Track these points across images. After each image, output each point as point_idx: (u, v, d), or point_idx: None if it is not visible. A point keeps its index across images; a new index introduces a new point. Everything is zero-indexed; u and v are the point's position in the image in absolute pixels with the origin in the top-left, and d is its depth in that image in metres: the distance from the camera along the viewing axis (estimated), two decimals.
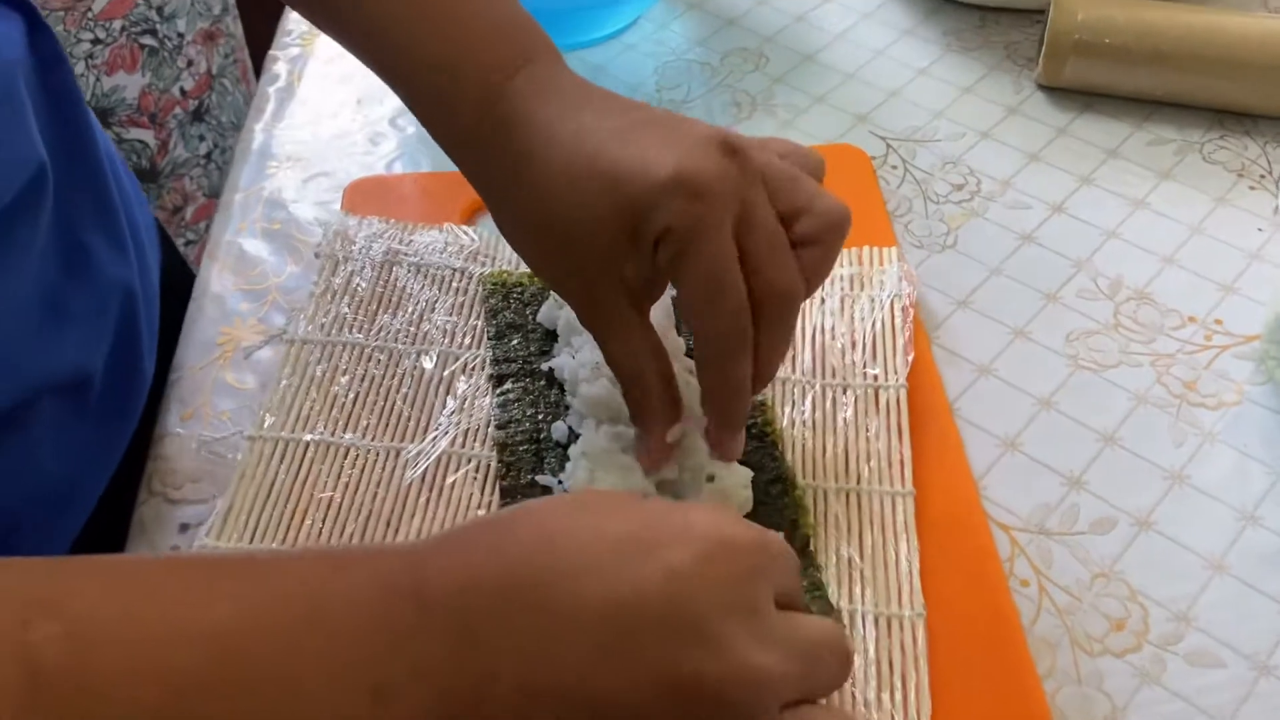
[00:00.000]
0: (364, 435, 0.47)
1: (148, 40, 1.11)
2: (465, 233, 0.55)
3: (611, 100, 0.41)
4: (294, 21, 0.73)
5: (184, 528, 0.46)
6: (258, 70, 1.29)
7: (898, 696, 0.38)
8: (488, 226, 0.57)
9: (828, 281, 0.52)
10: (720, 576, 0.29)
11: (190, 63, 1.16)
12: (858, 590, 0.41)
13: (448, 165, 0.62)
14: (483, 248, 0.55)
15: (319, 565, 0.30)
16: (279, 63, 0.69)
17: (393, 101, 0.66)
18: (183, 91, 1.16)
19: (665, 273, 0.38)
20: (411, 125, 0.64)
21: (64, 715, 0.25)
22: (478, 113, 0.41)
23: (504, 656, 0.28)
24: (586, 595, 0.28)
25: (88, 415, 0.46)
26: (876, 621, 0.40)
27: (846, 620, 0.40)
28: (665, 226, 0.36)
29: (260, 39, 1.26)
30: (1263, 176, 0.59)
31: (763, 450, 0.45)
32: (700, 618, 0.28)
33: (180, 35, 1.14)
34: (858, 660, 0.39)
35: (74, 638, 0.25)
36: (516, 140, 0.40)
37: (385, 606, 0.28)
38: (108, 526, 0.47)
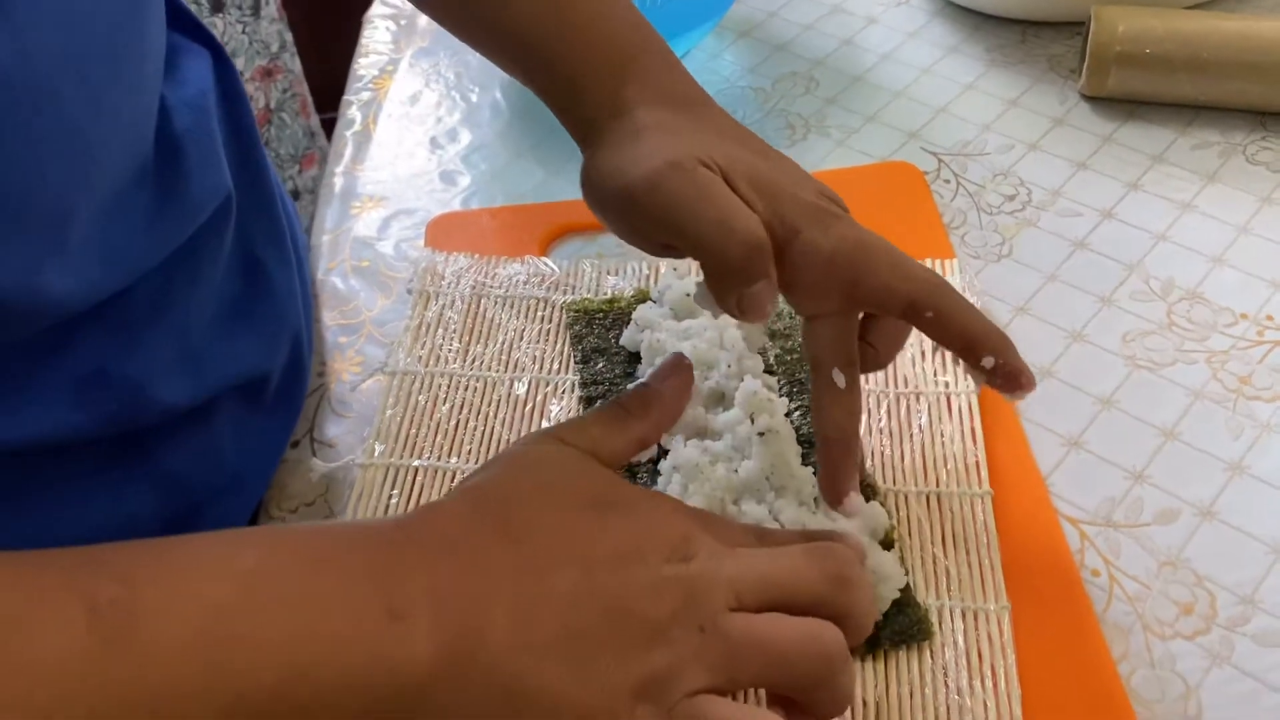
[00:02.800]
0: (467, 459, 0.51)
1: None
2: (545, 264, 0.59)
3: (715, 122, 0.44)
4: (365, 67, 0.76)
5: None
6: (317, 104, 1.34)
7: (988, 684, 0.41)
8: (565, 256, 0.61)
9: None
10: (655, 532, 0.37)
11: (249, 98, 1.21)
12: (944, 587, 0.44)
13: (521, 199, 0.66)
14: (562, 278, 0.58)
15: (329, 527, 0.36)
16: (353, 108, 0.73)
17: (464, 139, 0.70)
18: None
19: None
20: (484, 162, 0.68)
21: (122, 635, 0.29)
22: (597, 110, 0.44)
23: (488, 568, 0.34)
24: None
25: (262, 410, 0.50)
26: (964, 615, 0.43)
27: (935, 617, 0.43)
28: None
29: (316, 74, 1.31)
30: None
31: None
32: (655, 535, 0.36)
33: (240, 73, 1.19)
34: (949, 652, 0.42)
35: (126, 579, 0.30)
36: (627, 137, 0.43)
37: (385, 547, 0.34)
38: None
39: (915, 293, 0.41)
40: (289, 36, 1.25)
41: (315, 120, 1.32)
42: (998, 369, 0.41)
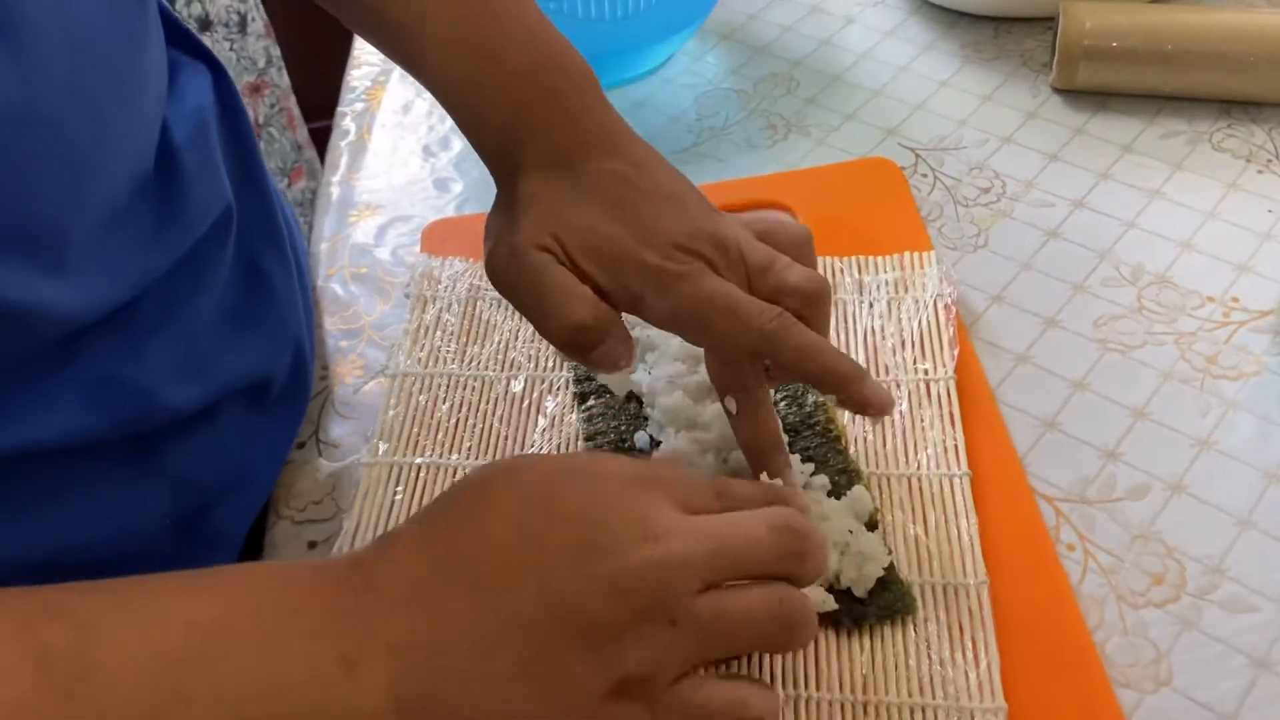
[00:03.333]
0: (467, 455, 0.53)
1: None
2: None
3: (608, 179, 0.44)
4: (357, 79, 0.78)
5: (312, 545, 0.52)
6: (310, 114, 1.36)
7: (969, 655, 0.43)
8: None
9: (875, 286, 0.57)
10: (607, 499, 0.36)
11: None
12: (925, 564, 0.46)
13: None
14: None
15: (288, 570, 0.36)
16: (347, 118, 0.75)
17: (456, 147, 0.72)
18: None
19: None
20: (476, 169, 0.70)
21: (70, 688, 0.29)
22: (494, 168, 0.47)
23: (450, 613, 0.34)
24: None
25: (266, 412, 0.52)
26: (945, 591, 0.45)
27: (918, 593, 0.45)
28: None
29: (309, 85, 1.32)
30: (1270, 161, 0.64)
31: (827, 446, 0.50)
32: (597, 543, 0.35)
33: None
34: (931, 626, 0.44)
35: (80, 627, 0.30)
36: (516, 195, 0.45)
37: (342, 592, 0.34)
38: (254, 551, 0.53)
39: (752, 344, 0.42)
40: (276, 52, 1.27)
41: (303, 133, 1.34)
42: (844, 402, 0.44)
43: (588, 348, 0.42)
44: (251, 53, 1.24)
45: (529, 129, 0.45)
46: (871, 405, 0.43)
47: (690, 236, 0.43)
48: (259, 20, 1.24)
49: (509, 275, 0.43)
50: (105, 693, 0.29)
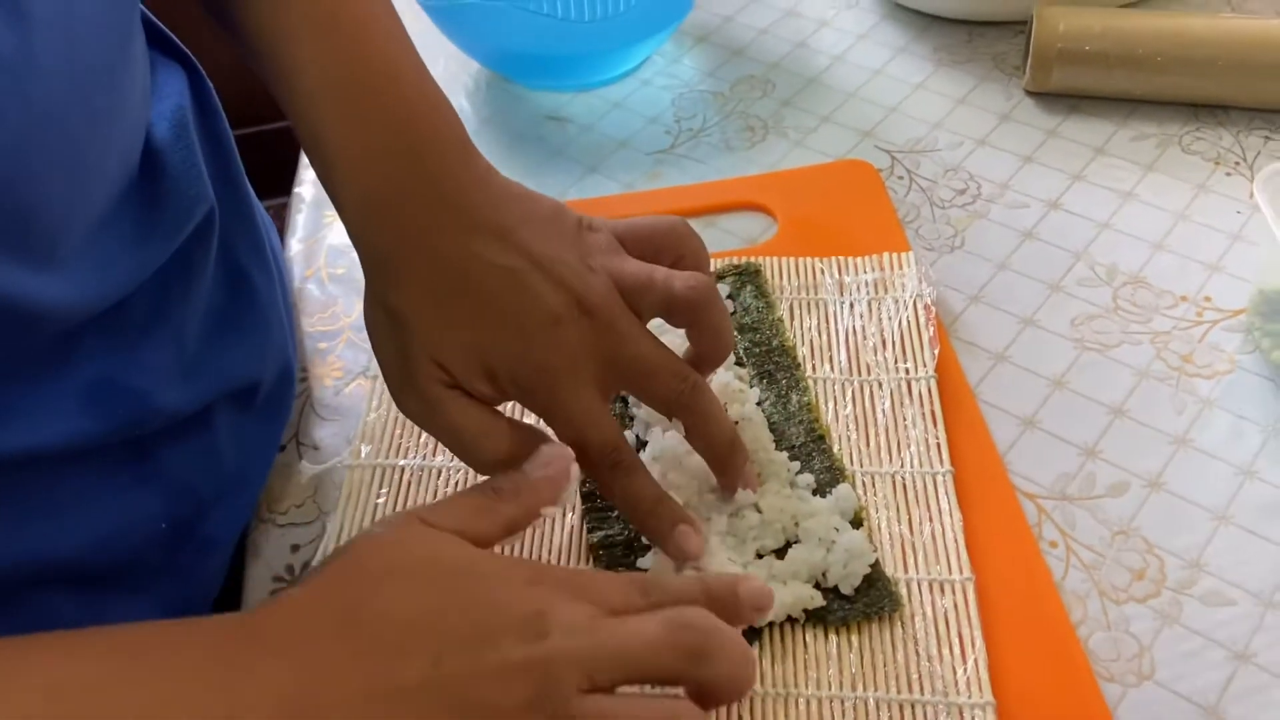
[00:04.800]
0: (452, 458, 0.52)
1: None
2: None
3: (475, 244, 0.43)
4: None
5: (295, 548, 0.52)
6: (274, 114, 1.35)
7: (956, 650, 0.44)
8: None
9: (855, 287, 0.57)
10: (498, 575, 0.37)
11: None
12: (911, 561, 0.47)
13: None
14: None
15: (173, 626, 0.36)
16: None
17: None
18: None
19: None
20: None
21: None
22: (362, 253, 0.44)
23: (334, 670, 0.33)
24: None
25: (254, 414, 0.52)
26: (931, 587, 0.46)
27: (904, 589, 0.46)
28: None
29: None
30: (1238, 163, 0.65)
31: (813, 445, 0.50)
32: (490, 624, 0.35)
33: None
34: (918, 622, 0.45)
35: None
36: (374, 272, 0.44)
37: (232, 646, 0.34)
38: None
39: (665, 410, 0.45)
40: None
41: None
42: (719, 474, 0.47)
43: (513, 465, 0.43)
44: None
45: (387, 206, 0.43)
46: (740, 484, 0.47)
47: (562, 314, 0.42)
48: None
49: (424, 422, 0.44)
50: None
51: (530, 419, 0.49)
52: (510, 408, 0.48)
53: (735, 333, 0.56)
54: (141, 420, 0.44)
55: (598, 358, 0.43)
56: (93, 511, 0.43)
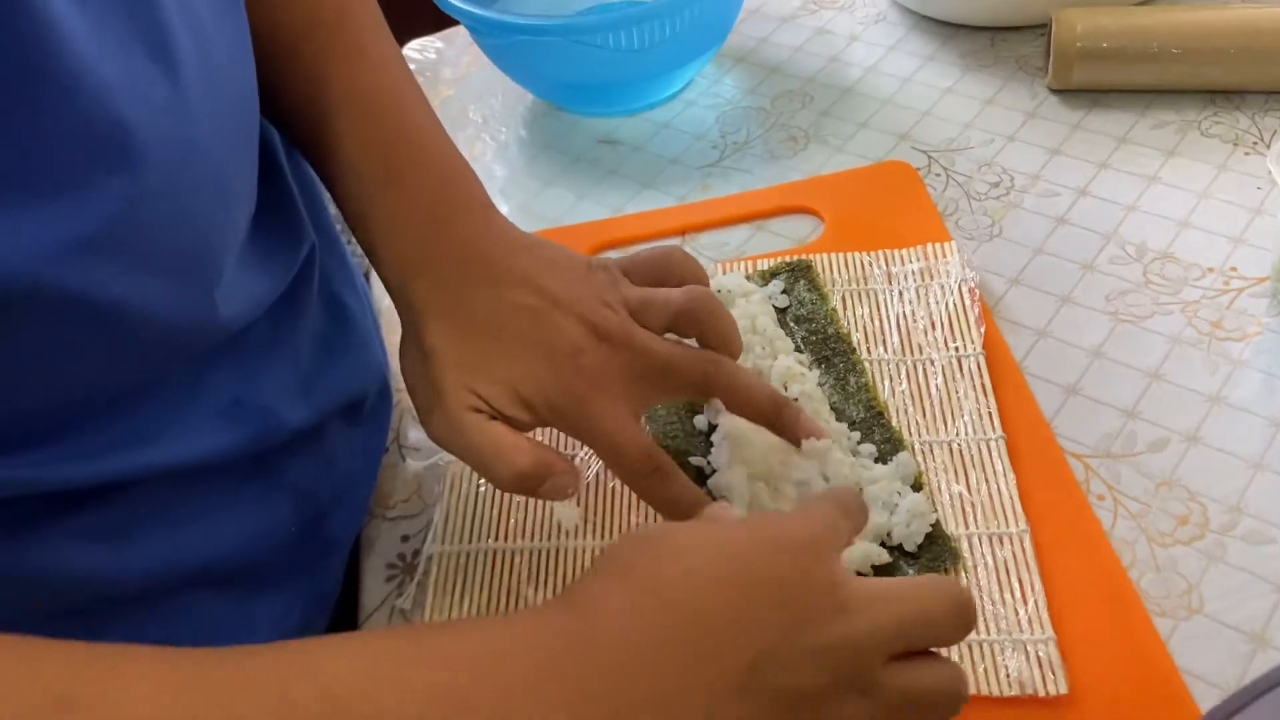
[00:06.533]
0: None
1: None
2: None
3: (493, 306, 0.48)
4: None
5: (405, 539, 0.57)
6: None
7: (1016, 594, 0.48)
8: None
9: (902, 276, 0.62)
10: (807, 570, 0.37)
11: None
12: (970, 518, 0.51)
13: (556, 223, 0.72)
14: None
15: (507, 628, 0.36)
16: None
17: (498, 174, 0.77)
18: None
19: None
20: (519, 193, 0.75)
21: None
22: (397, 278, 0.50)
23: (667, 686, 0.34)
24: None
25: (361, 426, 0.57)
26: (990, 540, 0.50)
27: (965, 544, 0.50)
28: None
29: None
30: (1255, 143, 0.69)
31: (872, 420, 0.55)
32: (805, 607, 0.36)
33: None
34: (980, 571, 0.49)
35: (327, 697, 0.31)
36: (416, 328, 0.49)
37: (562, 660, 0.34)
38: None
39: (694, 394, 0.50)
40: None
41: None
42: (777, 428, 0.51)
43: (534, 487, 0.47)
44: None
45: (421, 265, 0.49)
46: (803, 433, 0.50)
47: (582, 344, 0.47)
48: None
49: (450, 443, 0.48)
50: None
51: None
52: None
53: (792, 323, 0.60)
54: (270, 435, 0.48)
55: (621, 376, 0.48)
56: (231, 519, 0.47)
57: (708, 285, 0.52)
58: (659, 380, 0.49)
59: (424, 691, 0.32)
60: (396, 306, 0.50)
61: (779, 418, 0.50)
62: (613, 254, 0.69)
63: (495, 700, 0.33)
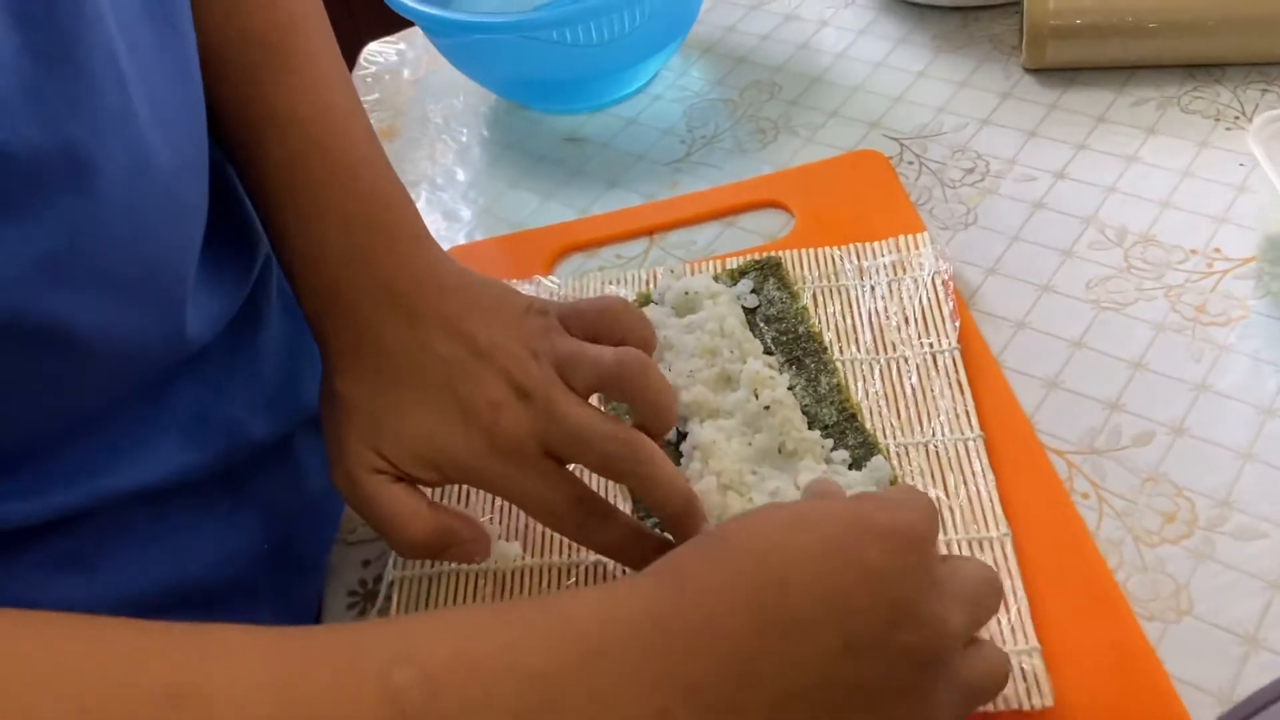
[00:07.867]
0: None
1: None
2: (552, 282, 0.64)
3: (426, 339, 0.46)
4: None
5: (365, 563, 0.55)
6: None
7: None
8: (569, 273, 0.66)
9: (874, 270, 0.60)
10: (909, 565, 0.36)
11: None
12: (949, 522, 0.49)
13: (520, 225, 0.71)
14: (569, 293, 0.63)
15: (600, 604, 0.35)
16: None
17: (461, 177, 0.75)
18: None
19: None
20: (481, 196, 0.73)
21: None
22: (311, 310, 0.48)
23: (757, 666, 0.34)
24: (801, 607, 0.34)
25: None
26: (971, 545, 0.48)
27: (944, 550, 0.48)
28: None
29: None
30: (1237, 118, 0.67)
31: (845, 423, 0.53)
32: (901, 602, 0.35)
33: None
34: None
35: (428, 680, 0.31)
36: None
37: (656, 637, 0.34)
38: None
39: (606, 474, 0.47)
40: None
41: None
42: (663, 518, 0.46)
43: (436, 555, 0.46)
44: None
45: (335, 301, 0.46)
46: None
47: (501, 400, 0.44)
48: None
49: (350, 502, 0.46)
50: None
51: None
52: None
53: (762, 324, 0.58)
54: (234, 451, 0.47)
55: (538, 436, 0.45)
56: (202, 538, 0.46)
57: (651, 344, 0.48)
58: (571, 451, 0.45)
59: (521, 673, 0.32)
60: (316, 341, 0.48)
61: (681, 525, 0.45)
62: (575, 257, 0.67)
63: (585, 687, 0.32)
